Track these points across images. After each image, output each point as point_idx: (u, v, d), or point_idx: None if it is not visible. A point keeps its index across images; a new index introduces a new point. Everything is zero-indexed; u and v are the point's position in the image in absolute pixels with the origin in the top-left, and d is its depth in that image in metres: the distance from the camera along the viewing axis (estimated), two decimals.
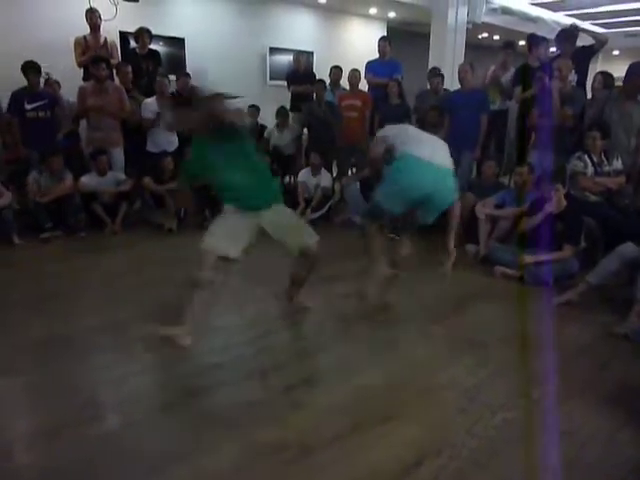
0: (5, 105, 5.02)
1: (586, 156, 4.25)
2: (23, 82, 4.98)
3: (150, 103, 5.36)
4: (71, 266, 4.03)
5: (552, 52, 5.79)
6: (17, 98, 4.96)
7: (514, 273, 3.83)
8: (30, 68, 4.93)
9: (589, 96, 5.00)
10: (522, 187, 4.25)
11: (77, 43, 5.49)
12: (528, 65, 5.40)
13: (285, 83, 7.12)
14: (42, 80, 5.24)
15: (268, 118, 6.59)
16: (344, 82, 6.39)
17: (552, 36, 5.65)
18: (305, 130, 6.33)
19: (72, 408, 2.15)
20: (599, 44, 5.31)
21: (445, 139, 5.21)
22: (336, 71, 6.43)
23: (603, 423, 2.15)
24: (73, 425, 2.04)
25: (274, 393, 2.29)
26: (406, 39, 9.99)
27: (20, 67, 4.91)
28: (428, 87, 6.04)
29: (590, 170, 4.24)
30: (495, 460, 1.92)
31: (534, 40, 5.56)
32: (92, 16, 5.40)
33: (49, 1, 6.02)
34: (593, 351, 2.81)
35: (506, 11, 9.27)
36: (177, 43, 7.12)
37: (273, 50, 8.19)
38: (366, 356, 2.69)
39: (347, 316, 3.18)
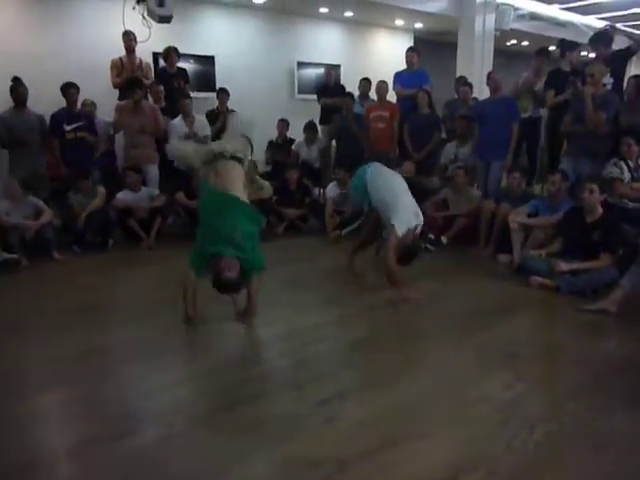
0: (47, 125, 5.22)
1: (622, 162, 4.15)
2: (62, 103, 5.18)
3: (177, 124, 5.49)
4: (108, 280, 4.14)
5: (584, 56, 5.70)
6: (57, 119, 5.16)
7: (550, 283, 3.74)
8: (69, 89, 5.13)
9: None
10: (555, 196, 4.17)
11: (113, 65, 5.70)
12: (560, 70, 5.33)
13: (313, 96, 7.20)
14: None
15: (296, 131, 6.66)
16: (372, 94, 6.42)
17: (583, 40, 5.56)
18: (334, 142, 6.37)
19: (110, 420, 2.20)
20: (636, 45, 5.19)
21: (474, 148, 5.25)
22: (365, 83, 6.47)
23: None
24: (112, 438, 2.08)
25: (308, 406, 2.29)
26: (433, 49, 9.98)
27: (59, 88, 5.12)
28: (456, 96, 6.01)
29: (627, 176, 4.13)
30: (535, 476, 1.87)
31: (566, 45, 5.49)
32: (128, 39, 5.59)
33: (86, 24, 6.25)
34: (633, 363, 2.72)
35: (535, 17, 9.16)
36: (207, 61, 7.28)
37: (301, 64, 8.29)
38: (400, 369, 2.67)
39: (380, 329, 3.17)
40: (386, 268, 3.49)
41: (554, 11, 9.46)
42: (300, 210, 5.73)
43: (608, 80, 4.93)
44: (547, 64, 5.74)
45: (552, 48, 5.96)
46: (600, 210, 3.71)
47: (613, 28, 5.24)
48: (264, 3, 7.42)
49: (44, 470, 1.92)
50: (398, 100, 6.35)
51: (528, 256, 4.02)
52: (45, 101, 5.22)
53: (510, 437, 2.06)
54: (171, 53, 5.87)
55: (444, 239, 4.95)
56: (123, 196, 5.12)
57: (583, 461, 1.95)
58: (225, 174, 3.01)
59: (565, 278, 3.68)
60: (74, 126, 5.17)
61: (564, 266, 3.66)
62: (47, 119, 5.19)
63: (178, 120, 5.50)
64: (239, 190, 2.99)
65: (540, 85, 5.51)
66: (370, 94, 6.52)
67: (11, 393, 2.43)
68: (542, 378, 2.55)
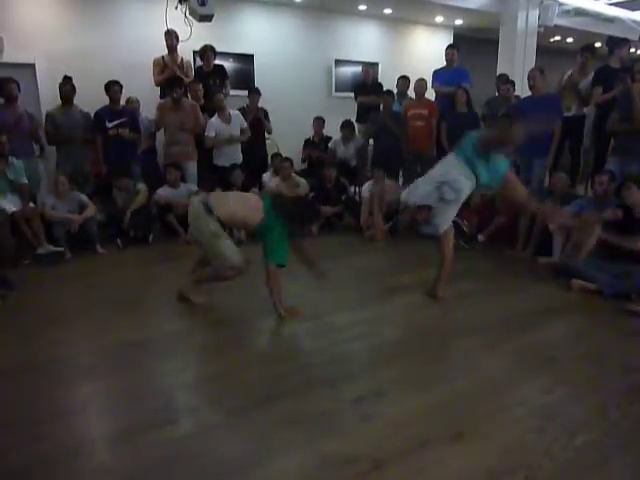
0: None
1: None
2: (105, 101, 5.33)
3: (213, 122, 5.57)
4: (149, 274, 4.24)
5: (633, 53, 5.49)
6: (99, 116, 5.31)
7: (593, 287, 3.63)
8: (112, 86, 5.28)
9: None
10: (603, 197, 4.03)
11: (156, 63, 5.82)
12: (609, 67, 5.16)
13: (350, 94, 7.18)
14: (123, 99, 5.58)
15: (333, 129, 6.66)
16: (410, 92, 6.36)
17: (631, 37, 5.36)
18: (371, 141, 6.35)
19: (149, 411, 2.26)
20: None
21: (516, 147, 5.14)
22: (403, 81, 6.42)
23: None
24: (150, 428, 2.13)
25: (344, 404, 2.30)
26: (473, 46, 9.79)
27: (103, 86, 5.28)
28: (497, 94, 5.89)
29: None
30: None
31: (614, 42, 5.32)
32: (170, 38, 5.70)
33: (130, 23, 6.41)
34: None
35: (580, 12, 8.86)
36: (246, 59, 7.36)
37: (338, 62, 8.27)
38: (436, 370, 2.65)
39: (416, 328, 3.15)
40: None
41: (601, 6, 9.12)
42: (336, 208, 5.74)
43: None
44: (592, 61, 5.57)
45: (598, 45, 5.77)
46: None
47: None
48: (302, 1, 7.44)
49: (85, 456, 1.99)
50: (436, 98, 6.27)
51: (571, 259, 3.90)
52: (91, 99, 5.38)
53: (549, 443, 2.02)
54: (207, 51, 5.95)
55: (481, 237, 4.87)
56: (163, 192, 5.24)
57: (625, 471, 1.89)
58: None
59: (608, 281, 3.57)
60: (116, 123, 5.31)
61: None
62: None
63: (215, 118, 5.59)
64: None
65: (585, 83, 5.35)
66: (408, 92, 6.46)
67: (54, 382, 2.52)
68: (583, 384, 2.48)
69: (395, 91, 6.41)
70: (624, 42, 5.35)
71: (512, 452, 1.98)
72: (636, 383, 2.49)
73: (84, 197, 4.86)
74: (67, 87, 5.12)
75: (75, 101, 5.24)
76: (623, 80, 4.69)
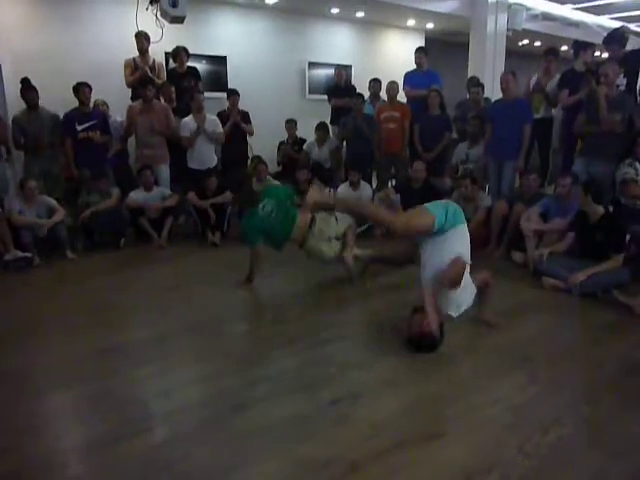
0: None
1: (637, 163, 4.11)
2: (74, 102, 5.21)
3: (187, 122, 5.50)
4: (120, 279, 4.16)
5: (597, 56, 5.64)
6: (68, 119, 5.19)
7: (563, 284, 3.72)
8: (81, 88, 5.15)
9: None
10: (565, 198, 4.14)
11: (127, 64, 5.73)
12: (574, 70, 5.29)
13: (324, 97, 7.20)
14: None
15: (307, 131, 6.66)
16: (383, 94, 6.40)
17: (596, 40, 5.50)
18: (344, 143, 6.37)
19: (124, 419, 2.22)
20: None
21: (487, 149, 5.23)
22: (375, 84, 6.46)
23: None
24: (123, 437, 2.09)
25: (320, 407, 2.29)
26: (445, 49, 9.95)
27: (72, 88, 5.16)
28: (468, 97, 5.98)
29: None
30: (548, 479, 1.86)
31: (580, 45, 5.45)
32: (140, 40, 5.60)
33: (99, 24, 6.29)
34: None
35: (547, 17, 9.08)
36: (219, 61, 7.31)
37: (312, 64, 8.29)
38: (412, 370, 2.66)
39: (390, 330, 3.15)
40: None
41: (567, 11, 9.37)
42: None
43: (621, 81, 4.88)
44: (556, 64, 5.70)
45: (564, 48, 5.91)
46: (600, 211, 3.71)
47: (627, 28, 5.19)
48: (276, 3, 7.43)
49: (57, 469, 1.93)
50: (408, 101, 6.33)
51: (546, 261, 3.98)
52: (60, 100, 5.26)
53: (523, 440, 2.05)
54: (180, 53, 5.89)
55: None
56: (135, 195, 5.15)
57: (597, 466, 1.93)
58: None
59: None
60: (86, 126, 5.20)
61: (580, 276, 3.61)
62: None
63: (189, 118, 5.52)
64: None
65: (551, 85, 5.47)
66: (381, 94, 6.51)
67: (25, 392, 2.46)
68: (556, 381, 2.53)
69: (368, 94, 6.45)
70: (589, 46, 5.49)
71: (487, 450, 2.01)
72: (606, 378, 2.55)
73: (53, 201, 4.74)
74: (28, 91, 4.96)
75: (42, 102, 5.11)
76: (588, 83, 4.82)
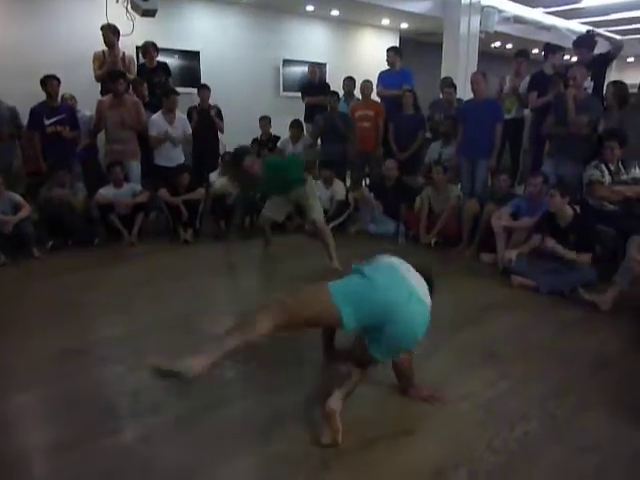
0: (26, 119, 5.12)
1: (603, 165, 4.21)
2: (42, 96, 5.08)
3: (157, 120, 5.39)
4: (89, 277, 4.07)
5: (566, 60, 5.77)
6: (36, 113, 5.05)
7: (531, 283, 3.79)
8: (49, 81, 5.01)
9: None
10: (536, 197, 4.21)
11: (96, 58, 5.56)
12: (543, 72, 5.40)
13: (298, 94, 7.18)
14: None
15: (281, 129, 6.63)
16: (357, 93, 6.42)
17: (566, 44, 5.63)
18: (319, 141, 6.36)
19: (89, 420, 2.17)
20: (615, 49, 5.28)
21: (459, 149, 5.30)
22: (349, 82, 6.48)
23: (627, 438, 2.11)
24: (90, 437, 2.05)
25: (288, 407, 2.28)
26: (419, 49, 10.04)
27: (39, 81, 5.01)
28: (441, 97, 6.05)
29: (607, 179, 4.19)
30: (515, 476, 1.89)
31: (549, 48, 5.57)
32: (107, 32, 5.37)
33: (68, 16, 6.15)
34: (615, 362, 2.76)
35: (519, 20, 9.25)
36: (192, 56, 7.23)
37: (286, 62, 8.27)
38: (383, 368, 2.66)
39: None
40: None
41: (538, 15, 9.57)
42: None
43: (589, 84, 5.00)
44: (527, 65, 5.82)
45: (535, 51, 6.03)
46: (570, 213, 3.78)
47: (594, 32, 5.33)
48: None
49: (22, 472, 1.88)
50: (382, 100, 6.36)
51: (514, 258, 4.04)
52: (27, 94, 5.11)
53: (491, 436, 2.08)
54: (149, 48, 5.77)
55: (432, 241, 4.95)
56: (105, 192, 5.04)
57: (563, 461, 1.97)
58: None
59: (545, 278, 3.73)
60: (54, 120, 5.07)
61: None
62: (23, 112, 5.08)
63: (157, 116, 5.41)
64: None
65: (522, 87, 5.58)
66: (355, 93, 6.52)
67: None
68: (524, 377, 2.57)
69: (342, 92, 6.46)
70: (558, 49, 5.61)
71: (455, 447, 2.03)
72: (572, 374, 2.61)
73: (18, 197, 4.59)
74: None
75: (4, 97, 4.95)
76: (555, 87, 4.93)
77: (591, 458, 1.98)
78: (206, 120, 5.93)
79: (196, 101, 6.16)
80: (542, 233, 3.87)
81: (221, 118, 6.13)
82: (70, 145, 5.25)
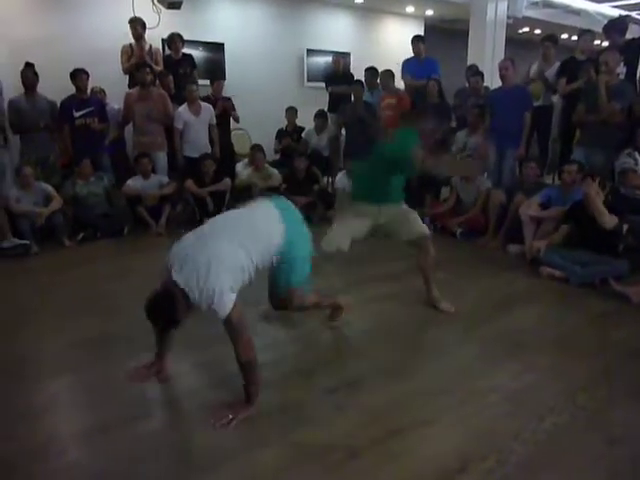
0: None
1: (636, 153, 4.10)
2: (71, 89, 5.17)
3: (182, 113, 5.44)
4: (119, 267, 4.16)
5: (597, 45, 5.61)
6: (66, 106, 5.16)
7: (560, 274, 3.73)
8: (79, 75, 5.12)
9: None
10: (569, 185, 4.12)
11: (124, 51, 5.66)
12: (574, 58, 5.26)
13: (322, 84, 7.16)
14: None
15: (306, 119, 6.63)
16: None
17: (597, 28, 5.47)
18: (343, 131, 6.34)
19: (122, 406, 2.23)
20: None
21: (486, 137, 5.21)
22: (369, 73, 6.35)
23: None
24: (123, 423, 2.10)
25: (318, 394, 2.30)
26: (444, 36, 9.87)
27: (69, 74, 5.11)
28: (467, 85, 5.95)
29: None
30: (545, 467, 1.88)
31: (580, 33, 5.43)
32: (135, 25, 5.47)
33: (96, 10, 6.23)
34: None
35: (548, 4, 9.02)
36: (217, 48, 7.25)
37: (310, 52, 8.23)
38: (409, 358, 2.67)
39: (386, 318, 3.16)
40: None
41: None
42: (307, 198, 5.70)
43: (622, 69, 4.86)
44: (555, 50, 5.65)
45: (565, 36, 5.88)
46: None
47: (627, 18, 5.16)
48: None
49: (56, 456, 1.94)
50: (406, 89, 6.29)
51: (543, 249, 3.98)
52: (55, 87, 5.22)
53: (519, 427, 2.07)
54: (175, 39, 5.82)
55: (458, 231, 4.91)
56: (133, 183, 5.13)
57: (594, 454, 1.95)
58: None
59: (575, 269, 3.66)
60: (83, 112, 5.17)
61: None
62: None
63: (183, 108, 5.47)
64: None
65: (550, 72, 5.44)
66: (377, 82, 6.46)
67: (24, 378, 2.46)
68: (552, 369, 2.54)
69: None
70: (589, 33, 5.46)
71: (483, 437, 2.02)
72: (601, 367, 2.57)
73: (50, 188, 4.72)
74: (29, 74, 4.94)
75: (38, 89, 5.07)
76: (587, 73, 4.80)
77: (624, 449, 1.95)
78: (220, 112, 5.91)
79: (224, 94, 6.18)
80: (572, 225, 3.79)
81: (233, 108, 6.10)
82: (99, 137, 5.35)
